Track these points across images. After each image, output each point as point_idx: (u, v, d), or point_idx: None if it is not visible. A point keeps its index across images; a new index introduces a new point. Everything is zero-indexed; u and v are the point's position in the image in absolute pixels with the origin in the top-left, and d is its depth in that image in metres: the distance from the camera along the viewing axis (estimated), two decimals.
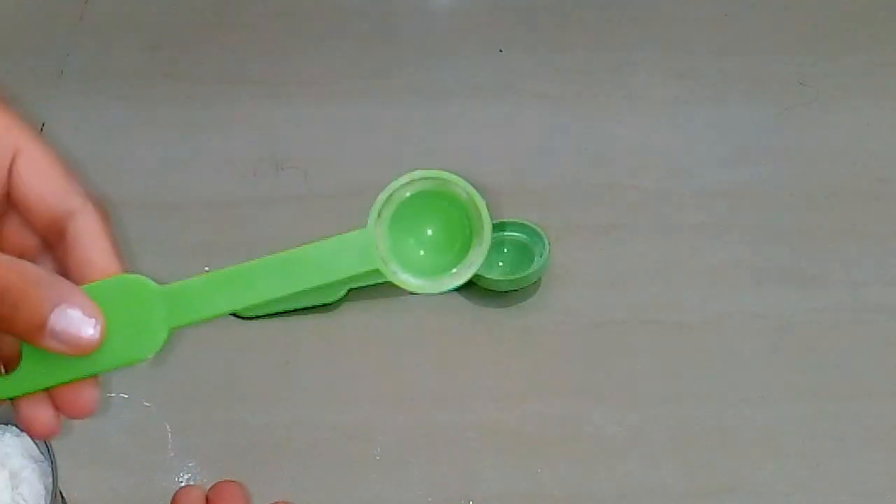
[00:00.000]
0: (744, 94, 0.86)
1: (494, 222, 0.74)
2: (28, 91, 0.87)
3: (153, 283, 0.42)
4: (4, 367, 0.41)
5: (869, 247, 0.77)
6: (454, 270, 0.40)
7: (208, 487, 0.47)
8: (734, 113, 0.85)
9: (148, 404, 0.69)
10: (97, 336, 0.40)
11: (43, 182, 0.41)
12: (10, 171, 0.41)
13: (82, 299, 0.39)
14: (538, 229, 0.75)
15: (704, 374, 0.71)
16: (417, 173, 0.40)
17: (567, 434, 0.68)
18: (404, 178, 0.40)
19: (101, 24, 0.92)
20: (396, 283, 0.39)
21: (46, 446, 0.55)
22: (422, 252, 0.42)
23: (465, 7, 0.95)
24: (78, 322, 0.39)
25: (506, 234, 0.75)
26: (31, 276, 0.39)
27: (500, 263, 0.75)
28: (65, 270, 0.41)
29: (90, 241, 0.41)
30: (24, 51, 0.90)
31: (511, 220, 0.75)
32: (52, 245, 0.42)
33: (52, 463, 0.55)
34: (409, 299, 0.74)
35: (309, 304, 0.73)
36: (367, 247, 0.41)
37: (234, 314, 0.72)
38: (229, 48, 0.90)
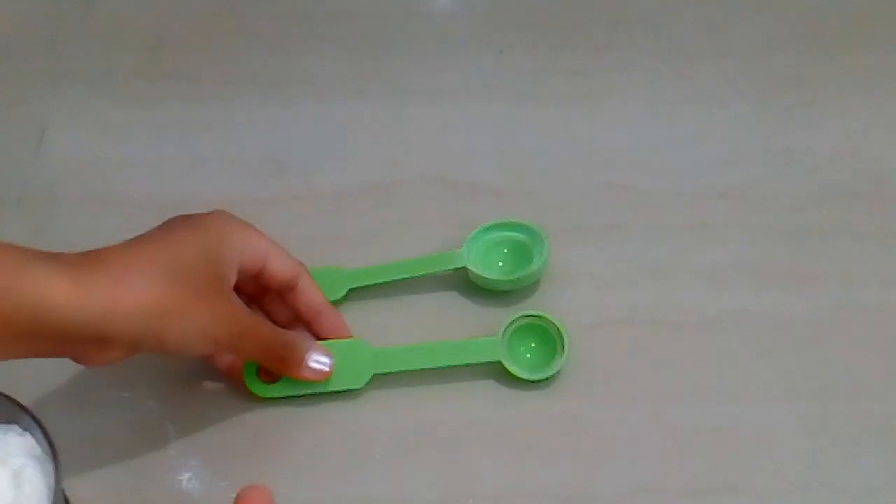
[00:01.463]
0: (743, 94, 0.86)
1: (493, 223, 0.75)
2: (29, 91, 0.87)
3: (368, 344, 0.69)
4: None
5: (868, 247, 0.77)
6: (545, 369, 0.70)
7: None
8: (734, 113, 0.85)
9: (150, 403, 0.69)
10: (329, 371, 0.68)
11: (281, 262, 0.68)
12: (265, 263, 0.67)
13: (322, 348, 0.68)
14: (538, 229, 0.75)
15: (704, 373, 0.70)
16: (529, 311, 0.71)
17: (567, 434, 0.68)
18: (521, 313, 0.71)
19: (102, 24, 0.92)
20: (510, 370, 0.69)
21: (49, 445, 0.55)
22: (528, 356, 0.71)
23: (465, 8, 0.95)
24: (321, 362, 0.68)
25: (505, 234, 0.75)
26: (296, 335, 0.68)
27: (500, 263, 0.75)
28: (297, 309, 0.70)
29: (311, 291, 0.70)
30: (25, 51, 0.90)
31: (511, 220, 0.75)
32: (286, 295, 0.70)
33: (55, 462, 0.54)
34: (408, 299, 0.74)
35: None
36: (496, 347, 0.70)
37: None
38: (230, 48, 0.90)
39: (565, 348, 0.69)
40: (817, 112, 0.85)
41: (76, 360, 0.60)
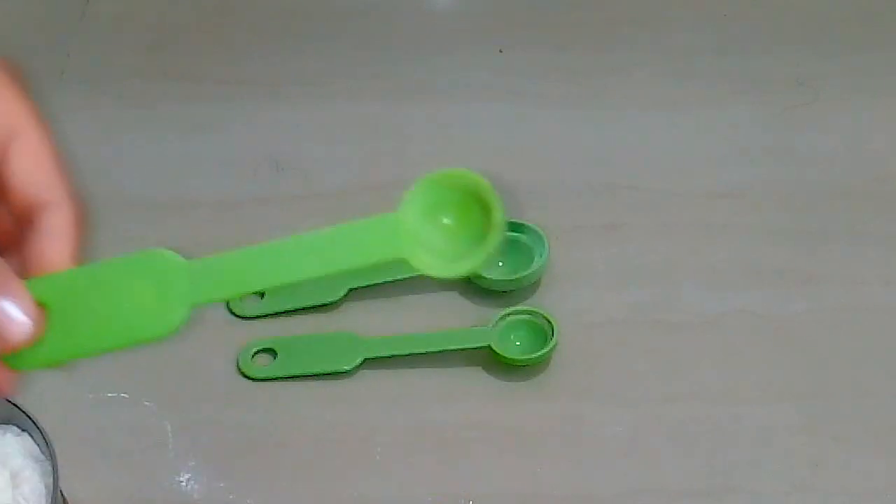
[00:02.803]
0: (743, 94, 0.86)
1: None
2: (29, 92, 0.87)
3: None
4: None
5: (869, 247, 0.77)
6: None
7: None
8: (734, 113, 0.85)
9: (148, 403, 0.69)
10: (28, 333, 0.40)
11: (30, 168, 0.42)
12: (6, 151, 0.42)
13: (20, 292, 0.39)
14: (538, 229, 0.75)
15: (704, 373, 0.71)
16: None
17: (566, 434, 0.68)
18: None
19: (101, 23, 0.92)
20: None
21: (47, 445, 0.55)
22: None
23: (465, 7, 0.95)
24: (11, 315, 0.39)
25: (505, 234, 0.75)
26: None
27: (500, 263, 0.75)
28: (24, 261, 0.41)
29: (53, 237, 0.41)
30: (24, 50, 0.89)
31: (511, 220, 0.75)
32: (23, 234, 0.42)
33: (53, 462, 0.54)
34: (408, 300, 0.74)
35: (309, 303, 0.73)
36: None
37: (232, 313, 0.72)
38: (229, 48, 0.90)
39: (555, 333, 0.69)
40: (818, 112, 0.85)
41: None
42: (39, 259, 0.41)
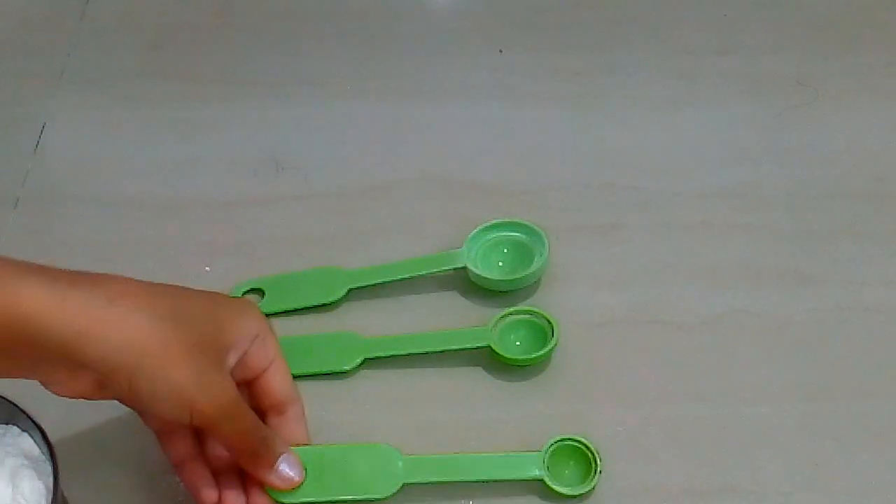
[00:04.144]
0: (743, 94, 0.86)
1: (493, 222, 0.75)
2: (28, 91, 0.87)
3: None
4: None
5: (868, 247, 0.76)
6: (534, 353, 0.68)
7: None
8: (734, 113, 0.85)
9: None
10: (295, 483, 0.60)
11: (282, 380, 0.61)
12: (265, 370, 0.60)
13: (296, 458, 0.61)
14: (538, 229, 0.75)
15: (704, 373, 0.70)
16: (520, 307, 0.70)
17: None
18: (513, 308, 0.71)
19: (101, 24, 0.92)
20: (498, 352, 0.69)
21: (47, 446, 0.55)
22: (517, 343, 0.71)
23: (465, 7, 0.95)
24: (289, 473, 0.60)
25: (505, 234, 0.75)
26: (276, 435, 0.60)
27: (500, 263, 0.75)
28: (280, 438, 0.61)
29: (298, 422, 0.62)
30: (24, 51, 0.90)
31: (511, 220, 0.75)
32: (271, 418, 0.62)
33: (54, 463, 0.54)
34: (408, 299, 0.74)
35: (310, 303, 0.73)
36: (485, 334, 0.70)
37: None
38: (229, 48, 0.90)
39: (555, 333, 0.69)
40: (818, 112, 0.85)
41: (45, 383, 0.54)
42: (293, 435, 0.61)
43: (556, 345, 0.69)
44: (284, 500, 0.61)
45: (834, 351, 0.71)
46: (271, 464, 0.59)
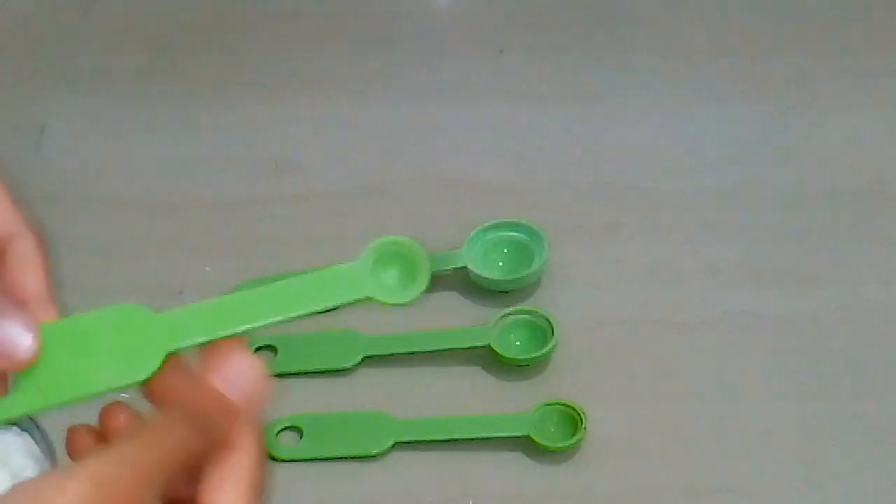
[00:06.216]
0: (743, 94, 0.86)
1: (493, 223, 0.75)
2: (29, 92, 0.87)
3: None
4: None
5: (868, 247, 0.76)
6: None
7: None
8: (733, 113, 0.85)
9: (147, 404, 0.69)
10: (34, 348, 0.40)
11: None
12: None
13: (19, 312, 0.40)
14: (538, 229, 0.74)
15: (704, 374, 0.71)
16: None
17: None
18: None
19: (102, 25, 0.92)
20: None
21: (48, 446, 0.55)
22: (517, 343, 0.68)
23: (465, 7, 0.95)
24: (14, 334, 0.40)
25: (505, 234, 0.75)
26: None
27: (500, 263, 0.75)
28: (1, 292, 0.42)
29: (26, 266, 0.42)
30: (25, 52, 0.90)
31: (511, 220, 0.75)
32: None
33: (54, 463, 0.54)
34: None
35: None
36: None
37: None
38: (229, 49, 0.90)
39: (555, 333, 0.69)
40: (818, 112, 0.84)
41: None
42: (16, 286, 0.41)
43: (555, 345, 0.69)
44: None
45: (834, 351, 0.71)
46: None
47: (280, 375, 0.70)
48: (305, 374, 0.70)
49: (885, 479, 0.66)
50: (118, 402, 0.42)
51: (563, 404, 0.67)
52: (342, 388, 0.70)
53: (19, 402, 0.42)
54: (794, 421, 0.68)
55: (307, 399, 0.69)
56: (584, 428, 0.66)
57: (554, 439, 0.66)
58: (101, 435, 0.44)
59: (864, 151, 0.82)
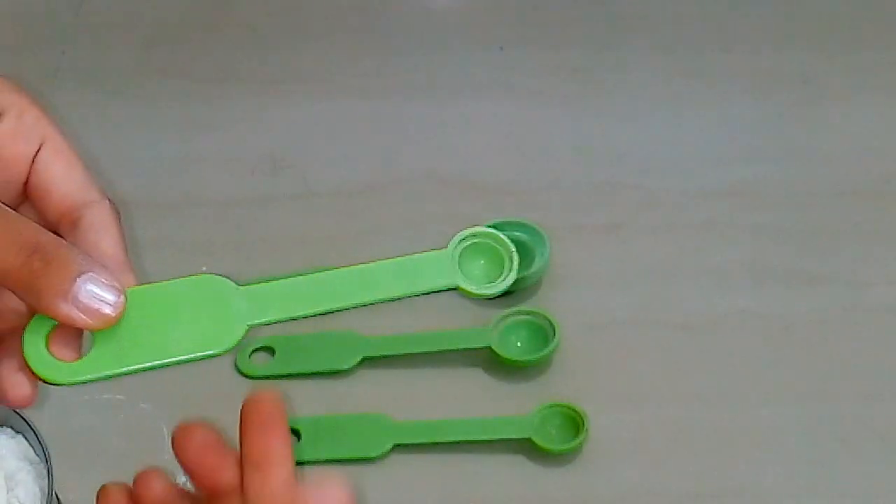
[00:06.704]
0: (746, 92, 0.86)
1: (494, 222, 0.74)
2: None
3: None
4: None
5: (872, 246, 0.76)
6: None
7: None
8: (736, 111, 0.84)
9: (144, 405, 0.69)
10: (120, 305, 0.40)
11: (65, 171, 0.42)
12: (34, 158, 0.42)
13: (107, 273, 0.40)
14: (538, 229, 0.74)
15: (705, 374, 0.70)
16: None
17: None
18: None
19: (96, 21, 0.91)
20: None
21: (42, 448, 0.55)
22: (518, 344, 0.68)
23: (465, 5, 0.94)
24: (101, 293, 0.40)
25: (506, 234, 0.75)
26: (64, 242, 0.40)
27: None
28: None
29: (103, 232, 0.42)
30: (19, 49, 0.90)
31: (511, 220, 0.75)
32: (64, 235, 0.42)
33: (48, 465, 0.54)
34: (409, 300, 0.74)
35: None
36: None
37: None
38: (226, 46, 0.90)
39: (556, 334, 0.69)
40: (823, 110, 0.84)
41: None
42: (94, 251, 0.41)
43: (557, 346, 0.69)
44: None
45: (838, 351, 0.71)
46: (63, 289, 0.39)
47: (278, 377, 0.70)
48: (303, 375, 0.70)
49: (887, 480, 0.66)
50: (156, 469, 0.43)
51: (565, 406, 0.67)
52: (341, 389, 0.70)
53: (95, 365, 0.41)
54: (799, 423, 0.68)
55: (305, 401, 0.69)
56: (586, 430, 0.65)
57: (555, 442, 0.66)
58: (135, 499, 0.43)
59: (869, 150, 0.82)
